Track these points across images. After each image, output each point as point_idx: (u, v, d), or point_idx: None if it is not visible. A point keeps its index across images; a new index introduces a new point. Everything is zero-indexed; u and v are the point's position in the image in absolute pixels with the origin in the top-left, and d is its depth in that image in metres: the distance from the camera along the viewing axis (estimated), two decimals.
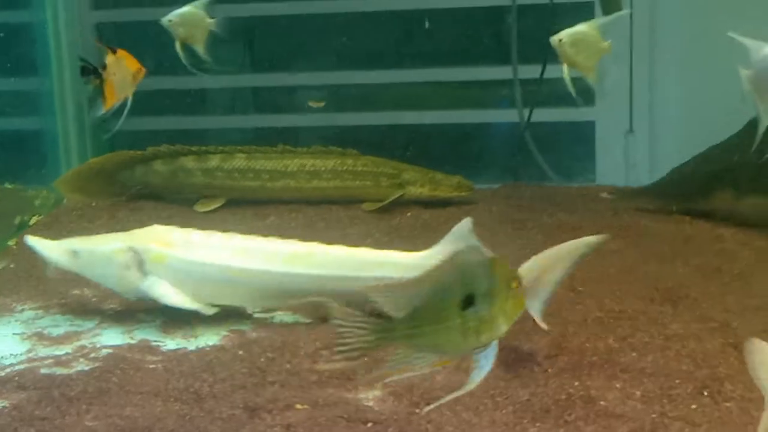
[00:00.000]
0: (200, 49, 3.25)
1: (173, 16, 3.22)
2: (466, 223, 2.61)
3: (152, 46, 3.79)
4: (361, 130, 4.58)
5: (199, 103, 4.81)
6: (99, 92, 3.02)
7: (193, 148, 4.08)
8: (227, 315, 2.79)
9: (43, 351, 2.59)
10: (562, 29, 3.06)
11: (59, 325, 2.79)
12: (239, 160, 4.04)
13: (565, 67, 3.01)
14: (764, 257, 3.21)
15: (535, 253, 2.40)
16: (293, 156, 4.03)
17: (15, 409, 2.17)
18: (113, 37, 4.74)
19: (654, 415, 2.06)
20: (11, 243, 3.56)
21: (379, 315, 1.85)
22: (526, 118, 4.14)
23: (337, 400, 2.17)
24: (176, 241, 2.70)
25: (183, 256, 2.67)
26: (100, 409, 2.16)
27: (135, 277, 2.69)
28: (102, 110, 3.07)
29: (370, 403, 2.16)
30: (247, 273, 2.66)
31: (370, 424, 2.05)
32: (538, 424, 2.03)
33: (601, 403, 2.10)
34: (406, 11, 4.51)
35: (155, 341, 2.62)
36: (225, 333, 2.67)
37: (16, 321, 2.84)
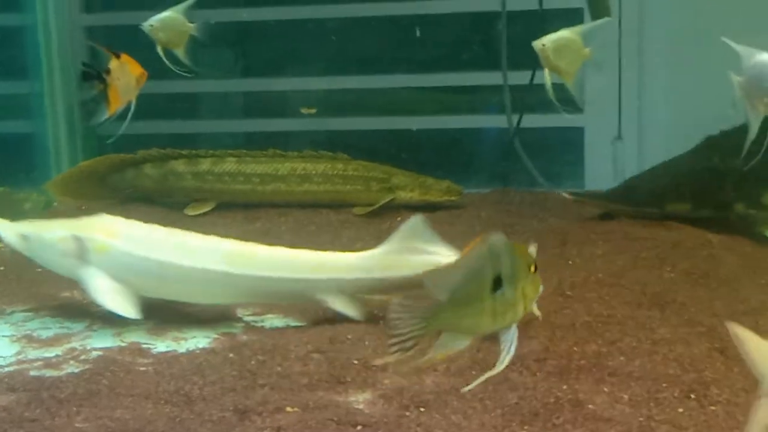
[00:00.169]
0: (181, 53, 3.25)
1: (153, 21, 3.22)
2: (415, 220, 2.61)
3: (142, 49, 3.79)
4: (352, 135, 4.59)
5: (190, 107, 4.82)
6: (102, 97, 3.02)
7: (184, 152, 4.09)
8: (218, 318, 2.80)
9: (32, 353, 2.58)
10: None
11: (49, 327, 2.79)
12: (230, 164, 4.05)
13: (546, 72, 3.03)
14: (751, 262, 3.23)
15: None
16: (284, 160, 4.04)
17: (4, 410, 2.17)
18: (104, 40, 4.74)
19: (641, 419, 2.07)
20: (0, 246, 3.55)
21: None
22: (515, 123, 4.16)
23: (327, 402, 2.17)
24: (120, 233, 2.69)
25: (124, 248, 2.66)
26: (90, 411, 2.15)
27: (76, 266, 2.68)
28: (105, 115, 3.08)
29: (361, 406, 2.16)
30: (185, 270, 2.65)
31: (360, 427, 2.05)
32: (526, 428, 2.05)
33: (589, 406, 2.11)
34: (396, 17, 4.53)
35: (145, 344, 2.62)
36: (215, 336, 2.67)
37: (6, 323, 2.83)
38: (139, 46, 3.41)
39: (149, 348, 2.59)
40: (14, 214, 3.89)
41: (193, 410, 2.14)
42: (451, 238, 3.53)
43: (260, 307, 2.87)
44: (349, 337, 2.58)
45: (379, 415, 2.10)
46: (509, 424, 2.06)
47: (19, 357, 2.56)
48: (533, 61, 3.19)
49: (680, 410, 2.11)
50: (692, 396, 2.17)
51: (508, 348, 1.94)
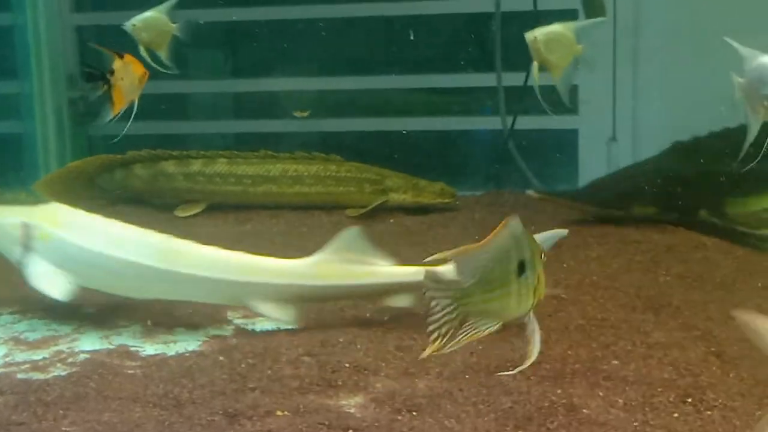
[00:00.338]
0: (163, 54, 3.23)
1: (136, 21, 3.20)
2: (351, 231, 2.62)
3: (132, 49, 3.77)
4: (345, 136, 4.57)
5: (181, 107, 4.79)
6: (107, 98, 3.02)
7: (174, 153, 4.06)
8: (208, 320, 2.76)
9: (19, 356, 2.55)
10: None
11: (36, 329, 2.75)
12: (221, 165, 4.02)
13: (535, 65, 3.01)
14: (746, 266, 3.22)
15: None
16: (275, 161, 4.02)
17: None
18: (94, 40, 4.71)
19: (636, 424, 2.05)
20: None
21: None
22: (509, 125, 4.15)
23: (318, 406, 2.15)
24: (63, 222, 2.71)
25: (64, 237, 2.67)
26: (78, 414, 2.12)
27: (20, 253, 2.69)
28: (110, 116, 3.07)
29: (352, 410, 2.14)
30: (117, 262, 2.64)
31: (351, 431, 2.03)
32: None
33: (584, 411, 2.09)
34: (390, 17, 4.51)
35: (134, 346, 2.59)
36: (205, 338, 2.65)
37: None
38: (130, 45, 3.39)
39: (138, 351, 2.56)
40: None
41: (182, 414, 2.11)
42: (443, 241, 3.53)
43: (251, 310, 2.85)
44: (341, 340, 2.55)
45: (371, 419, 2.07)
46: (503, 428, 2.04)
47: (6, 359, 2.52)
48: (527, 63, 3.18)
49: (675, 415, 2.09)
50: (688, 401, 2.15)
51: (534, 336, 2.10)
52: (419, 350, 2.45)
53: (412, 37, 4.49)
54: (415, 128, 4.52)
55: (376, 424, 2.05)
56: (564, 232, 2.64)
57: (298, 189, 3.98)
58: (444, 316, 1.99)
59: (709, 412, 2.10)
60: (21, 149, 4.60)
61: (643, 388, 2.20)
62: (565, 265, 3.15)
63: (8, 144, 4.59)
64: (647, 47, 4.22)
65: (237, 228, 3.75)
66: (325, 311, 2.80)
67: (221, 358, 2.46)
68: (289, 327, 2.70)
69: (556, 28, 3.02)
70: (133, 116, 3.08)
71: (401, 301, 2.65)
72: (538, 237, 2.49)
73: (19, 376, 2.39)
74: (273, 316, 2.63)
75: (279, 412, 2.11)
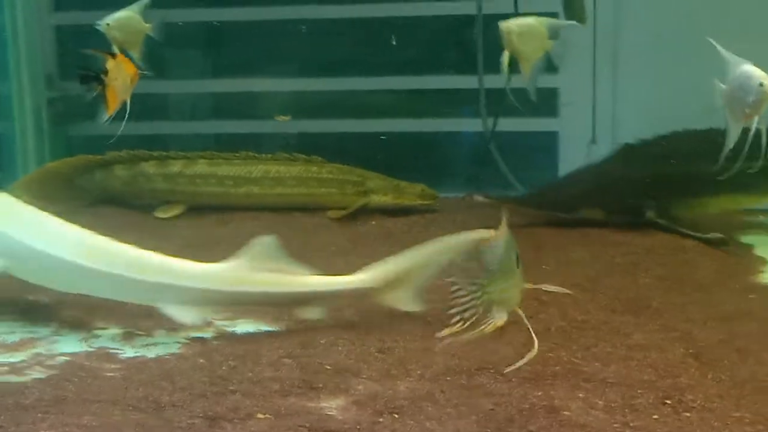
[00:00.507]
0: (136, 54, 3.22)
1: (109, 20, 3.18)
2: (266, 239, 2.62)
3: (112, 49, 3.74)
4: (327, 138, 4.56)
5: (161, 108, 4.75)
6: (101, 98, 3.02)
7: (155, 153, 4.03)
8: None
9: None
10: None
11: (14, 331, 2.72)
12: (201, 166, 4.00)
13: (506, 55, 3.02)
14: (725, 268, 3.25)
15: None
16: (257, 162, 4.00)
17: None
18: (74, 40, 4.67)
19: (617, 425, 2.06)
20: None
21: None
22: (490, 127, 4.16)
23: (299, 409, 2.14)
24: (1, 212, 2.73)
25: (2, 229, 2.69)
26: (56, 417, 2.10)
27: None
28: (105, 116, 3.07)
29: (333, 412, 2.13)
30: (40, 255, 2.66)
31: None
32: None
33: (565, 412, 2.10)
34: (372, 19, 4.51)
35: (113, 349, 2.57)
36: (185, 341, 2.63)
37: None
38: (109, 45, 3.36)
39: (117, 353, 2.54)
40: None
41: (161, 417, 2.10)
42: (425, 242, 3.53)
43: (232, 312, 2.84)
44: (322, 341, 2.55)
45: (352, 422, 2.07)
46: (484, 430, 2.04)
47: None
48: (510, 65, 3.19)
49: (655, 417, 2.10)
50: (667, 402, 2.16)
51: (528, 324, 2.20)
52: (401, 352, 2.45)
53: (393, 39, 4.48)
54: (396, 130, 4.52)
55: (358, 426, 2.05)
56: (489, 232, 2.65)
57: (280, 190, 3.97)
58: (471, 301, 2.08)
59: (687, 414, 2.11)
60: None
61: (624, 390, 2.22)
62: (545, 267, 3.16)
63: None
64: (627, 50, 4.24)
65: (217, 230, 3.73)
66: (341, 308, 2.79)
67: (201, 360, 2.44)
68: (270, 329, 2.69)
69: (530, 20, 3.04)
70: (127, 116, 3.10)
71: (312, 312, 2.65)
72: (466, 236, 2.56)
73: None
74: (179, 319, 2.61)
75: (260, 415, 2.10)
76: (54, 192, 4.05)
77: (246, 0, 4.59)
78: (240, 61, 4.70)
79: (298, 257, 3.34)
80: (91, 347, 2.59)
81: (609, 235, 3.51)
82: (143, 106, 4.54)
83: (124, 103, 3.09)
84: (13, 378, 2.37)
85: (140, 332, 2.69)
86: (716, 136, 3.58)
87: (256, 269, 2.60)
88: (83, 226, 3.72)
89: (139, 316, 2.75)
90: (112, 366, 2.43)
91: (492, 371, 2.32)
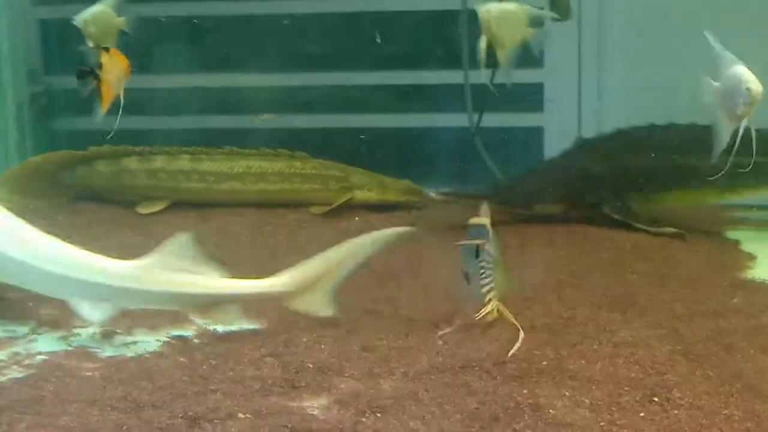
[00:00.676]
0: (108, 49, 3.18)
1: (86, 15, 3.14)
2: (181, 237, 2.57)
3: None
4: (310, 133, 4.52)
5: (144, 102, 4.69)
6: (96, 93, 3.00)
7: (137, 149, 3.98)
8: (169, 321, 2.71)
9: None
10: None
11: None
12: (184, 162, 3.95)
13: (483, 39, 2.99)
14: (711, 263, 3.24)
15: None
16: (240, 158, 3.96)
17: None
18: (57, 34, 4.62)
19: (603, 424, 2.04)
20: None
21: None
22: (475, 122, 4.13)
23: (280, 409, 2.11)
24: None
25: None
26: (34, 418, 2.07)
27: None
28: (101, 112, 3.04)
29: (315, 412, 2.11)
30: None
31: None
32: None
33: (550, 411, 2.08)
34: (357, 13, 4.47)
35: (93, 348, 2.54)
36: (166, 339, 2.60)
37: None
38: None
39: (96, 352, 2.51)
40: None
41: (141, 417, 2.07)
42: (409, 238, 3.51)
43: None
44: (305, 340, 2.52)
45: (335, 421, 2.04)
46: (468, 429, 2.02)
47: None
48: (494, 60, 3.17)
49: (642, 414, 2.09)
50: (654, 399, 2.15)
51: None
52: (385, 350, 2.43)
53: (378, 34, 4.45)
54: (380, 125, 4.49)
55: (340, 426, 2.02)
56: (407, 229, 2.67)
57: (263, 186, 3.93)
58: (489, 282, 2.34)
59: (675, 411, 2.10)
60: None
61: (610, 388, 2.20)
62: (531, 263, 3.15)
63: None
64: (612, 45, 4.23)
65: (200, 226, 3.69)
66: (289, 311, 2.76)
67: (182, 359, 2.42)
68: (253, 327, 2.66)
69: (510, 6, 3.01)
70: (121, 110, 3.07)
71: (223, 317, 2.58)
72: (380, 234, 2.59)
73: None
74: (87, 316, 2.56)
75: (241, 415, 2.07)
76: (35, 187, 4.00)
77: None
78: (223, 55, 4.65)
79: (280, 253, 3.34)
80: (70, 346, 2.56)
81: (594, 231, 3.49)
82: (127, 100, 4.53)
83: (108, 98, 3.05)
84: None
85: (120, 331, 2.65)
86: (674, 131, 3.62)
87: (168, 268, 2.52)
88: (64, 221, 3.72)
89: (119, 314, 2.71)
90: (91, 365, 2.40)
91: (477, 369, 2.30)
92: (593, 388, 2.20)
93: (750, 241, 3.53)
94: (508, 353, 2.37)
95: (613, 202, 3.58)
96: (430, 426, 2.03)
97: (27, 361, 2.45)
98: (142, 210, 3.88)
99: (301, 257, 3.25)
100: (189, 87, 4.71)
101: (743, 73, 2.64)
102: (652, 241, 3.41)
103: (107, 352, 2.52)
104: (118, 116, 3.08)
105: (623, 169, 3.62)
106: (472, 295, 2.40)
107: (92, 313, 2.55)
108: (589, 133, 4.21)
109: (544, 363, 2.33)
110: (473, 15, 3.66)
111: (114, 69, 3.00)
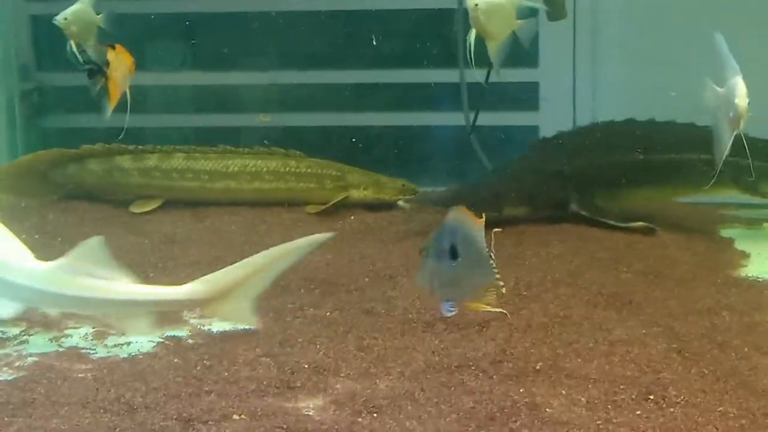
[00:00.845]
0: (90, 47, 3.17)
1: (66, 15, 3.13)
2: (93, 241, 2.46)
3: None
4: (306, 131, 4.50)
5: (137, 100, 4.67)
6: (104, 91, 3.00)
7: (130, 147, 3.95)
8: (162, 321, 2.69)
9: None
10: None
11: None
12: (178, 160, 3.93)
13: (472, 33, 2.99)
14: (706, 261, 3.24)
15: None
16: (234, 156, 3.94)
17: None
18: (49, 30, 4.58)
19: (599, 422, 2.04)
20: None
21: None
22: (471, 121, 4.12)
23: (276, 409, 2.10)
24: None
25: None
26: (24, 421, 2.05)
27: None
28: (110, 110, 3.03)
29: (311, 413, 2.10)
30: None
31: None
32: None
33: (547, 410, 2.07)
34: (352, 11, 4.46)
35: (85, 349, 2.52)
36: (159, 339, 2.58)
37: None
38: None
39: (89, 353, 2.49)
40: None
41: (134, 419, 2.05)
42: (404, 237, 3.50)
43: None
44: (300, 340, 2.50)
45: (331, 422, 2.03)
46: (465, 429, 2.01)
47: None
48: (489, 59, 3.16)
49: (638, 412, 2.09)
50: (650, 398, 2.15)
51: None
52: (380, 350, 2.42)
53: (373, 35, 4.43)
54: (376, 123, 4.47)
55: (336, 427, 2.01)
56: (327, 235, 2.62)
57: (258, 185, 3.91)
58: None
59: (671, 409, 2.09)
60: None
61: (606, 386, 2.20)
62: (526, 262, 3.14)
63: None
64: (607, 45, 4.23)
65: (194, 225, 3.67)
66: (285, 310, 2.74)
67: (176, 359, 2.40)
68: (247, 327, 2.64)
69: None
70: (129, 107, 3.09)
71: (136, 324, 2.47)
72: (301, 241, 2.56)
73: None
74: None
75: (235, 416, 2.06)
76: (27, 186, 3.98)
77: None
78: (218, 53, 4.63)
79: None
80: (61, 347, 2.54)
81: (589, 230, 3.48)
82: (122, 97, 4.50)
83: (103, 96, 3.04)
84: None
85: (113, 331, 2.63)
86: (635, 128, 3.63)
87: (78, 272, 2.42)
88: (55, 220, 3.70)
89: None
90: (83, 366, 2.38)
91: (473, 368, 2.29)
92: (589, 386, 2.20)
93: (744, 239, 3.53)
94: (505, 352, 2.36)
95: (580, 200, 3.56)
96: (427, 426, 2.02)
97: (18, 363, 2.42)
98: (135, 209, 3.85)
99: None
100: (183, 85, 4.69)
101: (735, 86, 2.74)
102: (647, 239, 3.41)
103: (99, 353, 2.50)
104: (127, 114, 3.08)
105: (587, 166, 3.62)
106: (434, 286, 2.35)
107: (1, 310, 2.49)
108: None
109: (540, 362, 2.32)
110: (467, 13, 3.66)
111: (120, 66, 3.00)
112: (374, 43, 4.36)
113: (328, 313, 2.72)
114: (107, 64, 2.98)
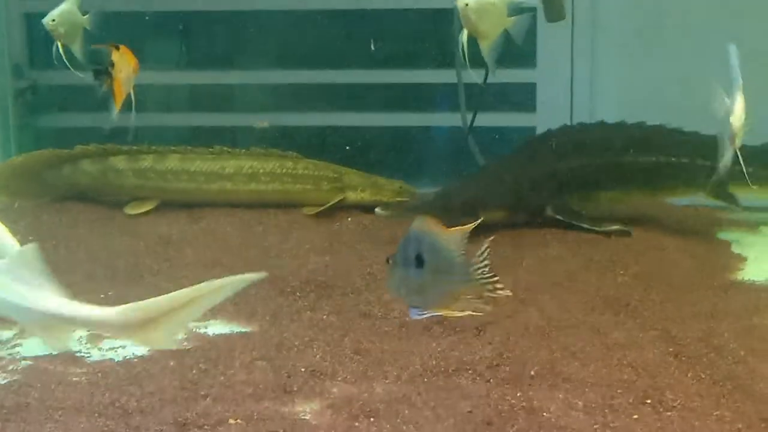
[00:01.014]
0: (77, 49, 3.16)
1: (54, 16, 3.12)
2: (25, 249, 2.44)
3: (85, 38, 3.65)
4: (303, 132, 4.49)
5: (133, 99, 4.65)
6: (110, 92, 2.99)
7: (124, 148, 3.93)
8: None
9: None
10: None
11: None
12: (173, 161, 3.91)
13: (464, 33, 2.97)
14: (703, 265, 3.23)
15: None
16: (230, 157, 3.92)
17: None
18: (43, 28, 4.54)
19: (596, 426, 2.04)
20: None
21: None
22: (469, 122, 4.11)
23: (272, 413, 2.09)
24: None
25: None
26: (18, 426, 2.04)
27: None
28: (116, 111, 3.03)
29: (308, 417, 2.09)
30: None
31: None
32: None
33: (544, 414, 2.07)
34: (350, 11, 4.44)
35: (79, 352, 2.50)
36: None
37: None
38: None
39: (83, 357, 2.47)
40: None
41: (129, 424, 2.04)
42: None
43: (203, 313, 2.75)
44: (297, 343, 2.49)
45: (327, 426, 2.03)
46: None
47: None
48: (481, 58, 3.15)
49: (635, 417, 2.09)
50: (647, 402, 2.15)
51: None
52: (378, 353, 2.41)
53: (370, 32, 4.42)
54: (373, 124, 4.46)
55: (333, 431, 2.00)
56: (259, 275, 2.55)
57: (254, 186, 3.89)
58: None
59: (668, 413, 2.09)
60: None
61: (603, 390, 2.19)
62: (524, 264, 3.13)
63: None
64: (605, 46, 4.22)
65: (190, 227, 3.65)
66: (281, 313, 2.73)
67: (172, 363, 2.38)
68: (244, 330, 2.63)
69: None
70: (134, 107, 3.08)
71: (56, 336, 2.25)
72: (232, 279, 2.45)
73: None
74: None
75: (232, 420, 2.05)
76: (20, 187, 3.96)
77: None
78: (215, 52, 4.61)
79: (271, 255, 3.31)
80: (55, 350, 2.51)
81: (587, 233, 3.47)
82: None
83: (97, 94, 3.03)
84: None
85: (107, 334, 2.61)
86: (609, 130, 3.64)
87: (10, 275, 2.23)
88: (48, 221, 3.68)
89: None
90: (78, 370, 2.36)
91: (470, 372, 2.29)
92: (587, 390, 2.20)
93: (741, 243, 3.53)
94: (502, 355, 2.35)
95: (555, 204, 3.55)
96: (424, 430, 2.01)
97: (11, 367, 2.41)
98: (130, 210, 3.83)
99: (293, 258, 3.25)
100: (178, 84, 4.67)
101: (734, 104, 2.80)
102: (644, 243, 3.40)
103: (94, 356, 2.48)
104: (133, 114, 3.07)
105: (561, 169, 3.62)
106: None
107: None
108: None
109: (537, 365, 2.31)
110: None
111: (124, 66, 2.99)
112: (372, 47, 4.35)
113: (324, 316, 2.71)
114: (112, 64, 2.96)
